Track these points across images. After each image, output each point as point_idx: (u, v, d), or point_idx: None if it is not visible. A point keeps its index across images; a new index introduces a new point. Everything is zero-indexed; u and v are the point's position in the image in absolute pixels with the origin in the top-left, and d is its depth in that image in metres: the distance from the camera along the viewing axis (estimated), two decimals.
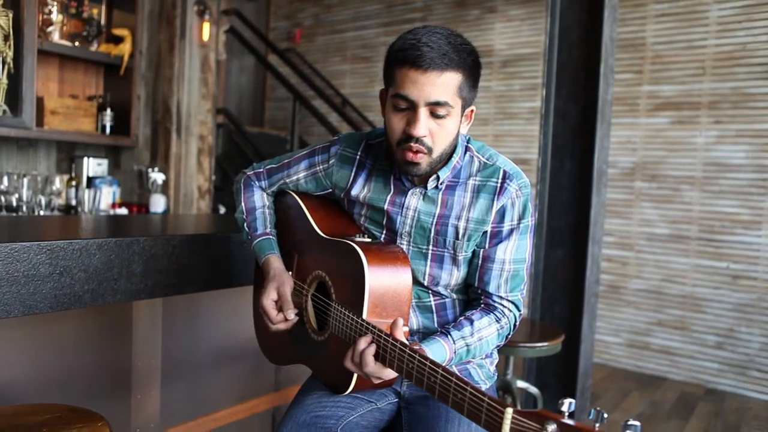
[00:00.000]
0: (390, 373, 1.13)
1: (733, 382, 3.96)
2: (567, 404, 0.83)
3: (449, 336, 1.21)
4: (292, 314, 1.33)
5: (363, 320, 1.17)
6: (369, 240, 1.33)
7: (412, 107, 1.17)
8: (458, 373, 1.02)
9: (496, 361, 1.43)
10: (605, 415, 0.81)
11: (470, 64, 1.18)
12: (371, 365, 1.12)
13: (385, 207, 1.32)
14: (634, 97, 4.31)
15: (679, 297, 4.16)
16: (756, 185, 3.88)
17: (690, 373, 4.11)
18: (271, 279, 1.35)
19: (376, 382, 1.15)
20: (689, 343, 4.12)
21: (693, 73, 4.09)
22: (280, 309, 1.34)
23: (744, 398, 3.86)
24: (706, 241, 4.06)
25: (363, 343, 1.13)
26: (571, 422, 0.82)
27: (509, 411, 0.87)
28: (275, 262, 1.39)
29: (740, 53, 3.92)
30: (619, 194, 4.37)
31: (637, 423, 0.78)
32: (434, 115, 1.17)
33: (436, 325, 1.34)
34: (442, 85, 1.14)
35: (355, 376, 1.20)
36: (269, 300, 1.33)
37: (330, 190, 1.43)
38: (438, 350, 1.18)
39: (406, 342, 1.09)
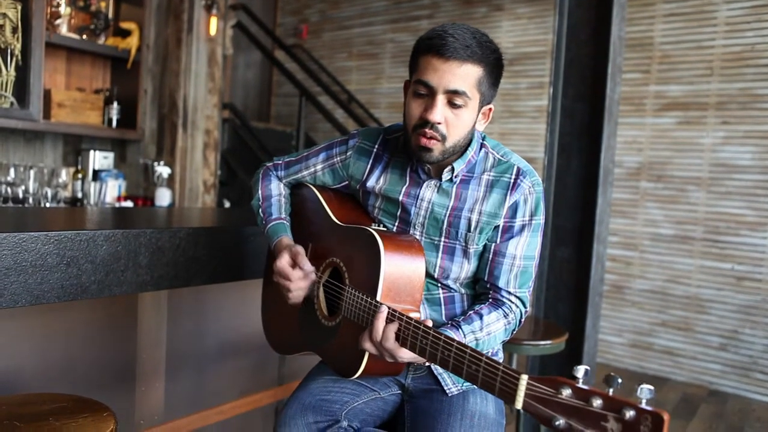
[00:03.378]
0: (405, 354, 1.14)
1: (736, 383, 3.95)
2: (581, 371, 0.85)
3: (460, 329, 1.22)
4: (309, 266, 1.33)
5: (377, 301, 1.19)
6: (385, 229, 1.36)
7: (430, 94, 1.20)
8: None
9: (501, 358, 1.43)
10: (619, 380, 0.82)
11: (492, 61, 1.21)
12: (391, 341, 1.13)
13: (400, 198, 1.34)
14: (641, 97, 4.30)
15: (683, 298, 4.15)
16: (762, 187, 3.86)
17: (693, 374, 4.11)
18: (283, 248, 1.37)
19: (389, 360, 1.17)
20: (693, 344, 4.11)
21: (701, 74, 4.07)
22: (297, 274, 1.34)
23: (747, 400, 3.86)
24: (711, 242, 4.04)
25: (383, 320, 1.14)
26: (585, 387, 0.83)
27: (524, 377, 0.90)
28: (288, 240, 1.41)
29: (749, 54, 3.90)
30: (625, 194, 4.36)
31: (651, 387, 0.79)
32: (451, 103, 1.20)
33: (443, 318, 1.35)
34: (461, 74, 1.18)
35: (366, 358, 1.21)
36: (283, 261, 1.33)
37: (346, 182, 1.45)
38: None
39: (420, 321, 1.11)
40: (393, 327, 1.13)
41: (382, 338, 1.14)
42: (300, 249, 1.35)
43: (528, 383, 0.89)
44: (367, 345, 1.17)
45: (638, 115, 4.30)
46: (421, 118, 1.21)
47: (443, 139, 1.22)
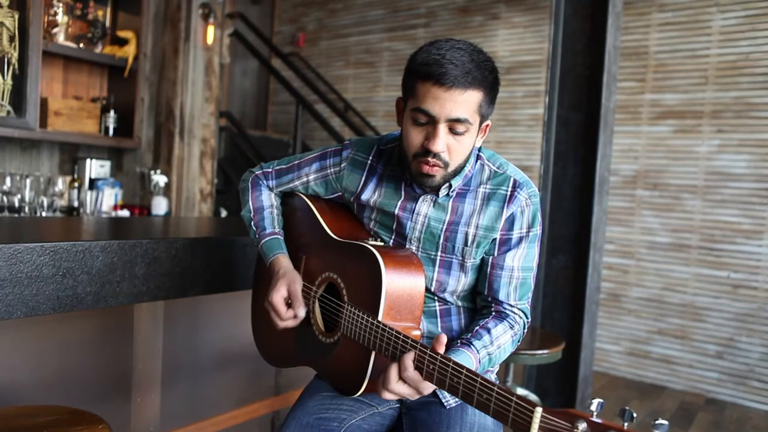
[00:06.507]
0: (427, 386, 1.11)
1: (733, 391, 3.95)
2: (596, 404, 0.85)
3: (472, 346, 1.20)
4: (302, 311, 1.31)
5: (379, 322, 1.17)
6: (382, 244, 1.34)
7: (432, 122, 1.17)
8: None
9: (496, 369, 1.43)
10: (634, 414, 0.82)
11: (491, 82, 1.19)
12: (410, 369, 1.09)
13: (396, 212, 1.32)
14: (636, 106, 4.32)
15: (679, 306, 4.15)
16: (757, 195, 3.88)
17: (690, 382, 4.11)
18: (281, 276, 1.34)
19: (414, 398, 1.14)
20: (689, 353, 4.11)
21: (696, 82, 4.10)
22: (289, 306, 1.33)
23: (744, 408, 3.85)
24: (707, 250, 4.05)
25: (410, 357, 1.10)
26: (600, 421, 0.83)
27: (539, 410, 0.88)
28: (285, 261, 1.38)
29: (743, 63, 3.93)
30: (621, 202, 4.37)
31: (665, 422, 0.79)
32: (453, 131, 1.17)
33: (440, 329, 1.34)
34: (463, 102, 1.15)
35: (368, 377, 1.19)
36: (279, 296, 1.31)
37: (339, 193, 1.43)
38: (465, 360, 1.18)
39: (426, 345, 1.10)
40: (411, 355, 1.10)
41: (401, 366, 1.10)
42: (298, 287, 1.32)
43: (542, 416, 0.87)
44: (398, 383, 1.11)
45: (634, 124, 4.32)
46: (423, 147, 1.18)
47: (446, 165, 1.19)
